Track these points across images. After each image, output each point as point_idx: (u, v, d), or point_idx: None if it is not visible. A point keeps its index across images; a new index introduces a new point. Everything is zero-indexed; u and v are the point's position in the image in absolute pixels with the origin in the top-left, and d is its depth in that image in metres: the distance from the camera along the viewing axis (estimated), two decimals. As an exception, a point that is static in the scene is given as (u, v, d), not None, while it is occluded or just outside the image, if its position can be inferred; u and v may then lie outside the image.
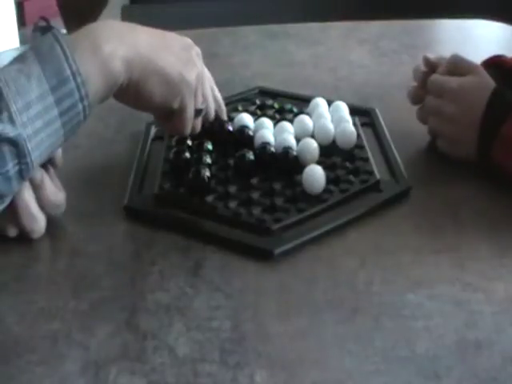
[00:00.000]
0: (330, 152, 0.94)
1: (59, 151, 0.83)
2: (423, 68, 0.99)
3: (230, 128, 0.97)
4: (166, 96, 0.82)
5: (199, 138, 0.94)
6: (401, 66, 1.25)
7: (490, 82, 0.91)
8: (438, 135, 0.95)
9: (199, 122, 0.89)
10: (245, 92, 1.14)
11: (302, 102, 1.07)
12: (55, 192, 0.82)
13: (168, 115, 0.85)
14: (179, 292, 0.73)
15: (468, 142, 0.90)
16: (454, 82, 0.93)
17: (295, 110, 1.05)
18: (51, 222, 0.84)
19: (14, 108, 0.70)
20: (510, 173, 0.86)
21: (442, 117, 0.93)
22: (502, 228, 0.81)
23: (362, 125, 1.01)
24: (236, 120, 0.99)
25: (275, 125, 0.97)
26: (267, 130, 0.95)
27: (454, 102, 0.92)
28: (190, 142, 0.95)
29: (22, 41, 3.18)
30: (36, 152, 0.72)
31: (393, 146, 0.96)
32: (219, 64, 1.30)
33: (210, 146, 0.94)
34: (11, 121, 0.69)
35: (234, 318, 0.69)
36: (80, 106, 0.74)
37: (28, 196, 0.79)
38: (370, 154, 0.93)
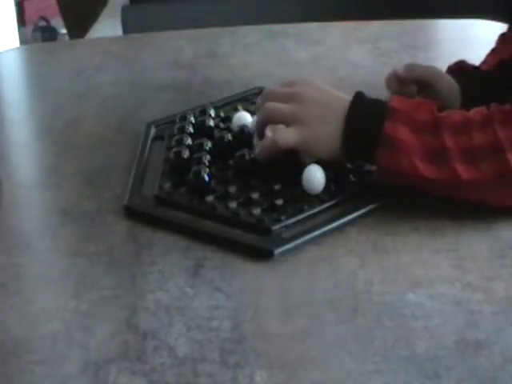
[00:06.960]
0: (330, 152, 0.93)
1: None
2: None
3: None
4: None
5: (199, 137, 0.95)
6: (401, 66, 1.25)
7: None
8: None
9: None
10: (244, 92, 1.14)
11: (302, 102, 1.06)
12: None
13: None
14: (179, 292, 0.73)
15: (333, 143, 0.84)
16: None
17: (295, 109, 1.05)
18: (51, 221, 0.84)
19: None
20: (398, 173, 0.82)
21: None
22: (501, 228, 0.81)
23: (362, 125, 1.01)
24: (235, 119, 0.98)
25: (275, 125, 0.97)
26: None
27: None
28: (190, 142, 0.95)
29: (22, 41, 3.18)
30: None
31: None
32: (219, 64, 1.30)
33: (209, 146, 0.94)
34: None
35: (234, 318, 0.69)
36: None
37: None
38: (369, 154, 0.93)
